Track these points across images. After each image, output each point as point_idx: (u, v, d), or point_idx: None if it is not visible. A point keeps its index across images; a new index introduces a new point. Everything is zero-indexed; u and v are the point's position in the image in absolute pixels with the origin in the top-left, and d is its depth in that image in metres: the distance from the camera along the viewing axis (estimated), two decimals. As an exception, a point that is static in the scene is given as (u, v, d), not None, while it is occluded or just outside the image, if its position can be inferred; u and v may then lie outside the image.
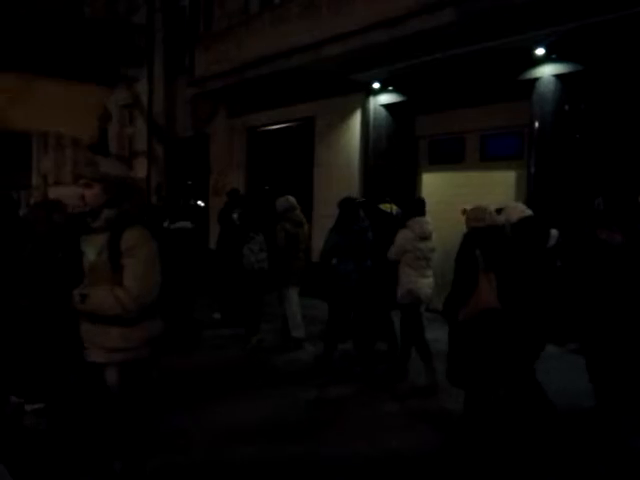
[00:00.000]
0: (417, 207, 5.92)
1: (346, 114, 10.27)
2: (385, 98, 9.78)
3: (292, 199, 7.22)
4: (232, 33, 11.54)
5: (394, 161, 9.87)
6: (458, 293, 4.13)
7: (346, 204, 6.20)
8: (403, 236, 5.74)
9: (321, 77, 9.95)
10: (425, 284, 5.78)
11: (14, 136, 24.17)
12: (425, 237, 5.75)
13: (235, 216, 7.95)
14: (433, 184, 9.58)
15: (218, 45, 11.93)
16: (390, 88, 9.64)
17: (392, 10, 7.93)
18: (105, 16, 16.69)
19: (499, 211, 4.42)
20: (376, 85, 9.66)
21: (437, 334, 6.14)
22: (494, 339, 3.94)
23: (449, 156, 9.46)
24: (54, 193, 17.28)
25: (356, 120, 10.13)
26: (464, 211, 4.54)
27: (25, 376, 4.66)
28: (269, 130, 12.20)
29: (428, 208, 6.06)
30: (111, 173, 2.84)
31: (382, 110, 9.87)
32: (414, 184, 9.80)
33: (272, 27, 10.41)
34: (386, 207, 6.49)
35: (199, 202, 13.49)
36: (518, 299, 3.99)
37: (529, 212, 4.40)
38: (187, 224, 7.62)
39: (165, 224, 7.58)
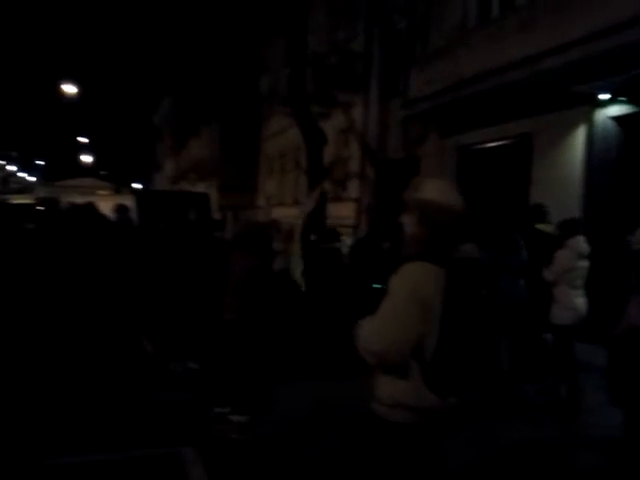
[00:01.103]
0: (574, 226, 5.94)
1: (568, 129, 9.48)
2: (615, 110, 8.82)
3: None
4: (448, 52, 11.44)
5: (624, 178, 8.84)
6: (614, 312, 4.45)
7: (500, 223, 6.23)
8: (563, 256, 5.77)
9: (540, 91, 9.34)
10: (583, 303, 5.85)
11: (243, 160, 26.69)
12: (584, 256, 5.81)
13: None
14: (672, 205, 8.37)
15: (433, 65, 11.90)
16: (622, 99, 8.68)
17: (620, 15, 7.17)
18: (327, 46, 17.69)
19: None
20: (604, 96, 8.78)
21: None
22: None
23: (694, 173, 8.20)
24: (275, 213, 18.64)
25: (579, 134, 9.29)
26: None
27: (237, 388, 4.93)
28: (481, 149, 11.77)
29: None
30: (426, 198, 2.36)
31: (611, 123, 8.92)
32: (648, 205, 8.68)
33: (489, 42, 10.09)
34: (542, 227, 6.50)
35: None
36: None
37: None
38: (338, 244, 7.89)
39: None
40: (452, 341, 2.21)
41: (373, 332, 2.24)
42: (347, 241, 9.45)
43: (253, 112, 26.04)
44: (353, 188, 16.68)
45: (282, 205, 22.29)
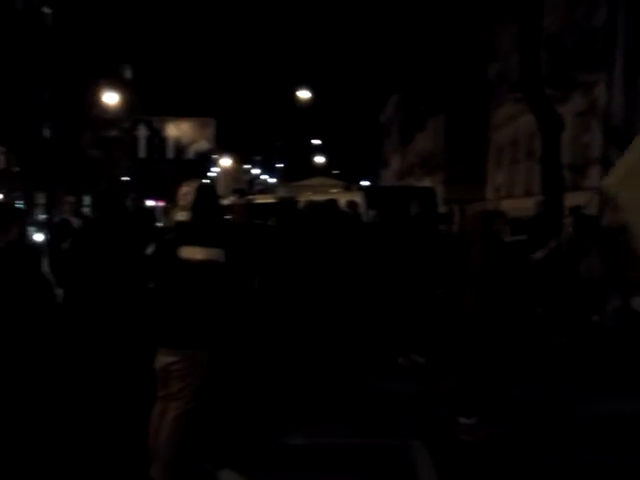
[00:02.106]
0: None
1: None
2: None
3: None
4: None
5: None
6: None
7: None
8: None
9: None
10: None
11: (470, 151, 26.03)
12: None
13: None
14: None
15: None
16: None
17: None
18: (563, 24, 16.39)
19: None
20: None
21: None
22: None
23: None
24: (505, 206, 17.80)
25: None
26: None
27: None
28: None
29: None
30: None
31: None
32: None
33: None
34: None
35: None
36: None
37: None
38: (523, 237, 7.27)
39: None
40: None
41: None
42: None
43: (481, 101, 25.24)
44: (594, 175, 15.21)
45: (512, 197, 21.24)
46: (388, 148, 50.58)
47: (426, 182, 28.06)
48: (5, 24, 25.83)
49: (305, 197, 10.86)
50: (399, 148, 42.78)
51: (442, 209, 14.59)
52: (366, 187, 19.34)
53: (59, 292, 4.25)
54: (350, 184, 15.98)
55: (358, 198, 9.58)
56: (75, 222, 5.53)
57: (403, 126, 40.04)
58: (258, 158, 64.87)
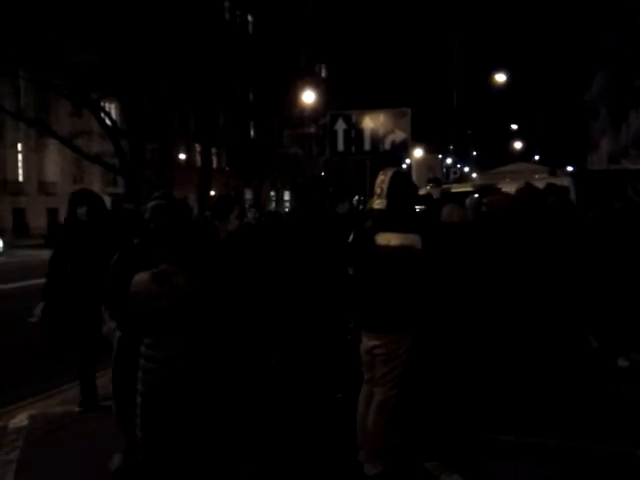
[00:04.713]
0: None
1: None
2: None
3: None
4: None
5: None
6: None
7: None
8: None
9: None
10: None
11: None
12: None
13: None
14: None
15: None
16: None
17: None
18: None
19: None
20: None
21: None
22: None
23: None
24: None
25: None
26: None
27: None
28: None
29: None
30: None
31: None
32: None
33: None
34: None
35: None
36: None
37: None
38: None
39: None
40: None
41: None
42: None
43: None
44: None
45: None
46: (596, 129, 46.58)
47: (643, 164, 25.28)
48: (214, 33, 28.19)
49: (505, 184, 10.31)
50: (609, 129, 39.15)
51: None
52: (575, 172, 17.83)
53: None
54: (555, 169, 14.82)
55: (567, 184, 8.81)
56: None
57: (614, 104, 36.54)
58: (450, 147, 63.74)
